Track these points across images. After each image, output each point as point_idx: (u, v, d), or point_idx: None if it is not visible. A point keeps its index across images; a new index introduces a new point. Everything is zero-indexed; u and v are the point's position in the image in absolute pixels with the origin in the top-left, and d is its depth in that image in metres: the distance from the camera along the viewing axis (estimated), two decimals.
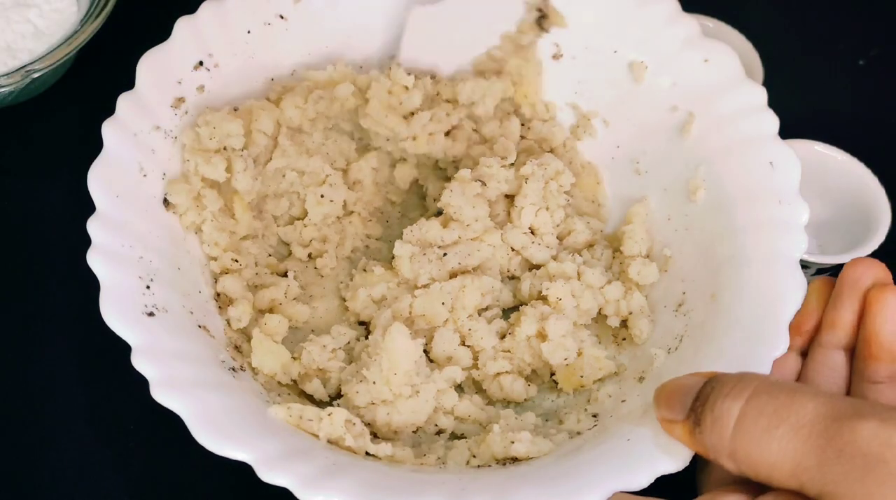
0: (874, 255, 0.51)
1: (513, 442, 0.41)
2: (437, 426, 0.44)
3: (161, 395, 0.38)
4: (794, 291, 0.42)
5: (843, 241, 0.53)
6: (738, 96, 0.48)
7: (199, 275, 0.46)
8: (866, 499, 0.31)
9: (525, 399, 0.47)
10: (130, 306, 0.40)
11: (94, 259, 0.41)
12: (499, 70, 0.53)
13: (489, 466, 0.42)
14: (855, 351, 0.41)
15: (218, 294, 0.46)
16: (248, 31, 0.50)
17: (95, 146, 0.44)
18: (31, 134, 0.57)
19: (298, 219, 0.51)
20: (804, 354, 0.43)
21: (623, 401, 0.44)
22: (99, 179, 0.43)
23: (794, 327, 0.41)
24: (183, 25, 0.48)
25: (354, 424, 0.41)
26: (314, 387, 0.45)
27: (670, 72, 0.50)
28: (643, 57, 0.51)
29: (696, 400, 0.36)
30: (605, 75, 0.52)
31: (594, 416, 0.44)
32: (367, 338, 0.47)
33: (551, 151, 0.53)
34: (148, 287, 0.42)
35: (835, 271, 0.52)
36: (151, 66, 0.47)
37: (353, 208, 0.52)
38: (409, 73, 0.50)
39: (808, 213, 0.44)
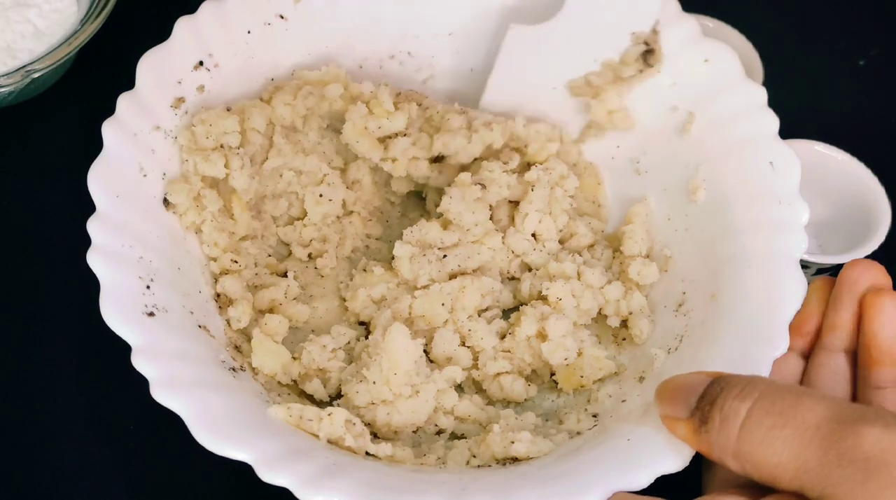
0: (874, 255, 0.51)
1: (513, 442, 0.41)
2: (437, 426, 0.44)
3: (161, 395, 0.38)
4: (794, 291, 0.42)
5: (843, 241, 0.53)
6: (738, 96, 0.48)
7: (199, 275, 0.46)
8: None
9: (525, 399, 0.46)
10: (130, 306, 0.40)
11: (94, 259, 0.41)
12: (595, 94, 0.51)
13: (489, 466, 0.42)
14: (857, 355, 0.41)
15: (218, 295, 0.46)
16: (249, 32, 0.50)
17: (95, 146, 0.44)
18: (31, 134, 0.57)
19: (298, 219, 0.51)
20: (805, 355, 0.43)
21: (623, 401, 0.44)
22: (99, 179, 0.43)
23: (794, 328, 0.41)
24: (183, 25, 0.48)
25: (354, 424, 0.41)
26: (314, 387, 0.45)
27: (670, 72, 0.50)
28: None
29: (703, 399, 0.36)
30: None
31: (594, 416, 0.44)
32: (367, 338, 0.47)
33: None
34: (148, 287, 0.42)
35: (835, 271, 0.52)
36: (151, 66, 0.47)
37: (352, 208, 0.52)
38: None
39: (808, 213, 0.44)
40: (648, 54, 0.50)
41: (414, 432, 0.44)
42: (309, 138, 0.51)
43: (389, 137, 0.50)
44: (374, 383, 0.43)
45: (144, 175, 0.45)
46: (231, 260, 0.47)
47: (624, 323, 0.48)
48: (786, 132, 0.46)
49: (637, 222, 0.50)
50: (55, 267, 0.52)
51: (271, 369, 0.44)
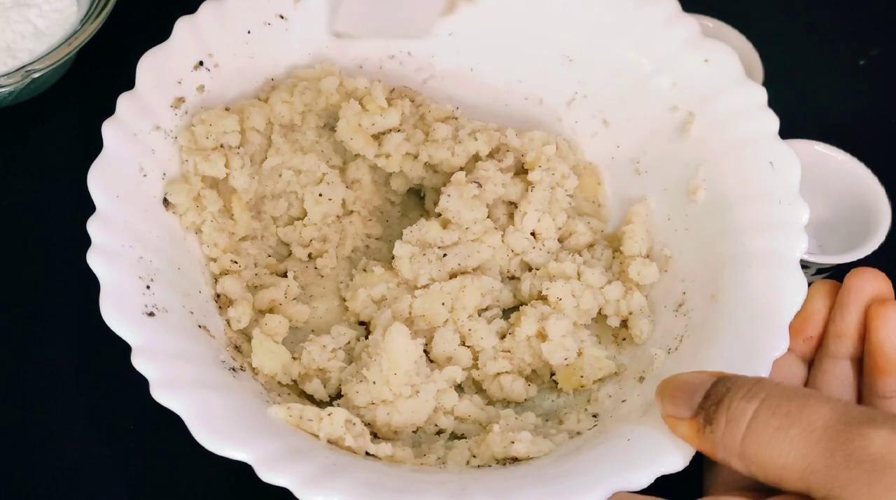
0: (874, 255, 0.51)
1: (513, 442, 0.41)
2: (437, 425, 0.44)
3: (161, 395, 0.37)
4: (794, 291, 0.42)
5: (843, 241, 0.53)
6: (738, 96, 0.48)
7: (199, 275, 0.46)
8: None
9: (525, 399, 0.46)
10: (130, 306, 0.40)
11: (94, 259, 0.41)
12: None
13: (489, 466, 0.42)
14: (863, 364, 0.41)
15: (218, 295, 0.46)
16: (248, 32, 0.50)
17: (95, 146, 0.44)
18: (31, 134, 0.57)
19: (298, 219, 0.51)
20: (807, 360, 0.43)
21: (623, 401, 0.44)
22: (99, 179, 0.43)
23: (795, 331, 0.41)
24: (183, 25, 0.48)
25: (354, 424, 0.41)
26: (314, 387, 0.45)
27: (670, 72, 0.50)
28: (643, 57, 0.51)
29: (707, 399, 0.36)
30: (606, 76, 0.52)
31: (594, 416, 0.44)
32: (366, 338, 0.47)
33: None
34: (148, 287, 0.42)
35: (835, 271, 0.52)
36: (151, 66, 0.47)
37: (352, 208, 0.52)
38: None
39: (808, 213, 0.44)
40: None
41: (414, 432, 0.44)
42: (307, 137, 0.51)
43: (383, 134, 0.50)
44: (374, 383, 0.43)
45: (144, 175, 0.45)
46: (231, 260, 0.47)
47: (624, 323, 0.48)
48: (786, 132, 0.46)
49: (637, 222, 0.50)
50: (55, 267, 0.52)
51: (271, 370, 0.44)
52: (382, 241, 0.53)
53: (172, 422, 0.37)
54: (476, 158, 0.50)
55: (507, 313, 0.49)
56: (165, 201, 0.46)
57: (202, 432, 0.37)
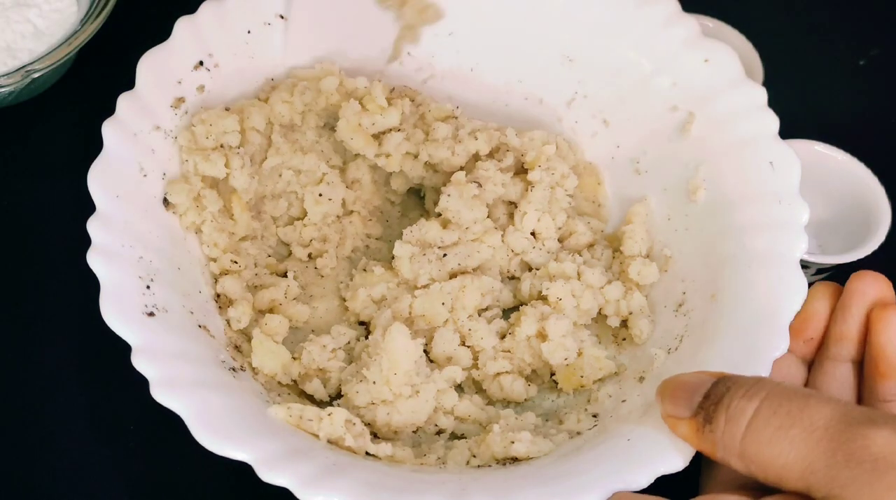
0: (874, 255, 0.51)
1: (513, 442, 0.41)
2: (437, 425, 0.44)
3: (161, 395, 0.37)
4: (794, 291, 0.42)
5: (843, 241, 0.53)
6: (738, 96, 0.48)
7: (199, 275, 0.46)
8: None
9: (525, 399, 0.46)
10: (130, 306, 0.40)
11: (94, 259, 0.41)
12: (401, 4, 0.52)
13: (489, 466, 0.42)
14: (864, 368, 0.41)
15: (218, 295, 0.46)
16: (248, 32, 0.50)
17: (95, 146, 0.44)
18: (31, 134, 0.57)
19: (298, 219, 0.51)
20: (807, 361, 0.43)
21: (623, 401, 0.44)
22: (99, 179, 0.43)
23: (796, 332, 0.42)
24: (183, 25, 0.48)
25: (354, 424, 0.41)
26: (314, 387, 0.45)
27: (671, 72, 0.50)
28: (643, 57, 0.51)
29: (707, 399, 0.36)
30: (606, 76, 0.52)
31: (594, 416, 0.44)
32: (367, 338, 0.47)
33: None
34: (148, 287, 0.42)
35: (835, 271, 0.52)
36: (151, 66, 0.47)
37: (352, 208, 0.52)
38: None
39: (808, 213, 0.44)
40: None
41: (414, 432, 0.44)
42: (307, 137, 0.51)
43: (383, 133, 0.50)
44: (374, 383, 0.43)
45: (144, 175, 0.45)
46: (231, 261, 0.47)
47: (624, 323, 0.48)
48: (786, 132, 0.46)
49: (637, 222, 0.50)
50: (55, 267, 0.52)
51: (271, 370, 0.44)
52: (382, 241, 0.53)
53: (172, 422, 0.37)
54: (476, 157, 0.50)
55: (507, 313, 0.49)
56: (165, 201, 0.46)
57: (202, 432, 0.37)
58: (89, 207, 0.42)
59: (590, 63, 0.53)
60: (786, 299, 0.42)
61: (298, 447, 0.38)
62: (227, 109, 0.48)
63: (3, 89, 0.52)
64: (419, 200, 0.54)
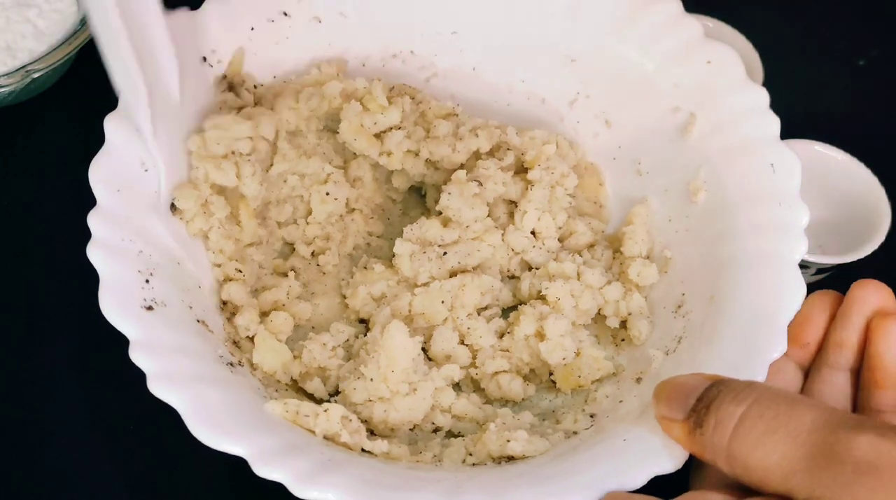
0: (874, 255, 0.51)
1: (509, 441, 0.41)
2: (433, 423, 0.44)
3: (158, 388, 0.37)
4: (793, 293, 0.42)
5: (843, 241, 0.53)
6: (739, 98, 0.48)
7: (201, 273, 0.46)
8: None
9: (523, 399, 0.47)
10: (129, 300, 0.40)
11: (93, 253, 0.40)
12: None
13: (485, 464, 0.42)
14: (860, 378, 0.41)
15: (224, 302, 0.46)
16: (252, 28, 0.50)
17: (95, 146, 0.44)
18: (31, 134, 0.57)
19: (301, 218, 0.51)
20: (804, 367, 0.43)
21: (620, 402, 0.44)
22: (100, 173, 0.43)
23: (793, 338, 0.42)
24: (185, 22, 0.48)
25: (351, 420, 0.41)
26: (314, 386, 0.45)
27: (673, 73, 0.50)
28: (645, 58, 0.51)
29: (700, 402, 0.36)
30: (608, 76, 0.52)
31: (591, 416, 0.44)
32: (366, 335, 0.47)
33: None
34: (147, 281, 0.41)
35: (835, 271, 0.52)
36: None
37: (354, 206, 0.52)
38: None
39: (808, 215, 0.44)
40: None
41: (410, 429, 0.44)
42: (308, 140, 0.51)
43: (385, 132, 0.50)
44: (372, 380, 0.43)
45: (146, 170, 0.45)
46: (235, 270, 0.47)
47: (623, 324, 0.48)
48: (786, 132, 0.46)
49: (638, 223, 0.50)
50: (55, 267, 0.52)
51: (271, 367, 0.44)
52: (383, 239, 0.53)
53: (172, 422, 0.37)
54: (477, 155, 0.50)
55: (506, 312, 0.49)
56: (173, 207, 0.45)
57: (198, 426, 0.37)
58: (89, 207, 0.42)
59: (592, 64, 0.53)
60: (785, 301, 0.42)
61: (294, 443, 0.38)
62: (221, 108, 0.48)
63: (3, 89, 0.52)
64: (420, 198, 0.54)
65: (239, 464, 0.37)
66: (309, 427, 0.40)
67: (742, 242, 0.45)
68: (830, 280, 0.52)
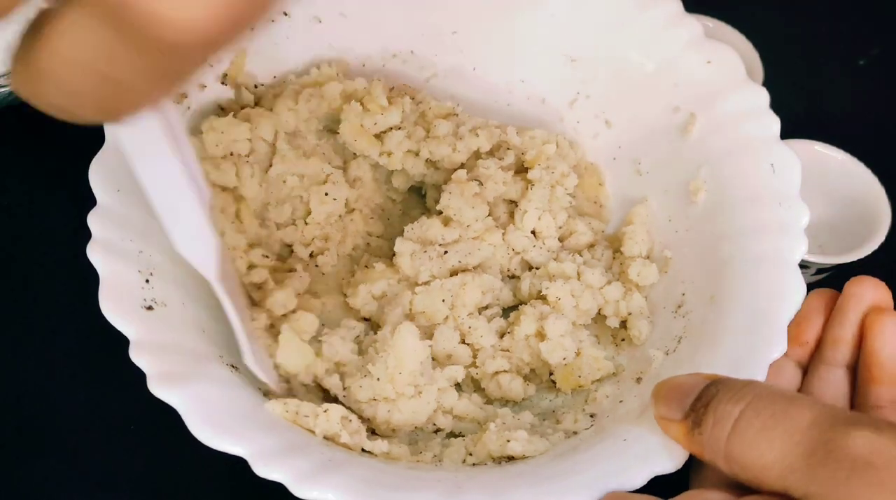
0: (874, 255, 0.51)
1: (509, 441, 0.41)
2: (434, 424, 0.44)
3: (158, 388, 0.37)
4: (793, 293, 0.42)
5: (843, 241, 0.53)
6: (739, 98, 0.48)
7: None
8: None
9: (523, 398, 0.47)
10: (129, 300, 0.40)
11: (93, 252, 0.40)
12: None
13: (485, 464, 0.42)
14: (857, 373, 0.41)
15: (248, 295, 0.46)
16: (252, 28, 0.50)
17: (95, 146, 0.44)
18: (31, 134, 0.57)
19: (300, 218, 0.51)
20: (802, 365, 0.43)
21: (621, 402, 0.44)
22: (100, 173, 0.43)
23: (793, 337, 0.42)
24: None
25: (350, 421, 0.41)
26: (332, 382, 0.44)
27: (673, 73, 0.50)
28: (646, 58, 0.51)
29: (698, 401, 0.36)
30: (608, 76, 0.52)
31: (592, 416, 0.44)
32: (374, 333, 0.46)
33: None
34: (147, 281, 0.41)
35: (835, 271, 0.52)
36: None
37: (354, 206, 0.52)
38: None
39: (808, 216, 0.44)
40: None
41: (411, 430, 0.44)
42: (308, 141, 0.51)
43: (385, 132, 0.50)
44: (379, 379, 0.43)
45: None
46: (262, 256, 0.46)
47: (623, 324, 0.48)
48: (786, 132, 0.46)
49: (638, 223, 0.50)
50: (55, 268, 0.52)
51: (294, 367, 0.44)
52: (384, 239, 0.53)
53: (173, 422, 0.37)
54: (477, 154, 0.50)
55: (506, 311, 0.49)
56: None
57: (198, 425, 0.37)
58: (88, 208, 0.42)
59: (592, 64, 0.53)
60: (785, 302, 0.42)
61: (294, 443, 0.38)
62: (221, 108, 0.48)
63: (3, 89, 0.52)
64: (420, 198, 0.54)
65: (239, 464, 0.37)
66: (309, 427, 0.40)
67: (742, 242, 0.45)
68: (830, 280, 0.52)
